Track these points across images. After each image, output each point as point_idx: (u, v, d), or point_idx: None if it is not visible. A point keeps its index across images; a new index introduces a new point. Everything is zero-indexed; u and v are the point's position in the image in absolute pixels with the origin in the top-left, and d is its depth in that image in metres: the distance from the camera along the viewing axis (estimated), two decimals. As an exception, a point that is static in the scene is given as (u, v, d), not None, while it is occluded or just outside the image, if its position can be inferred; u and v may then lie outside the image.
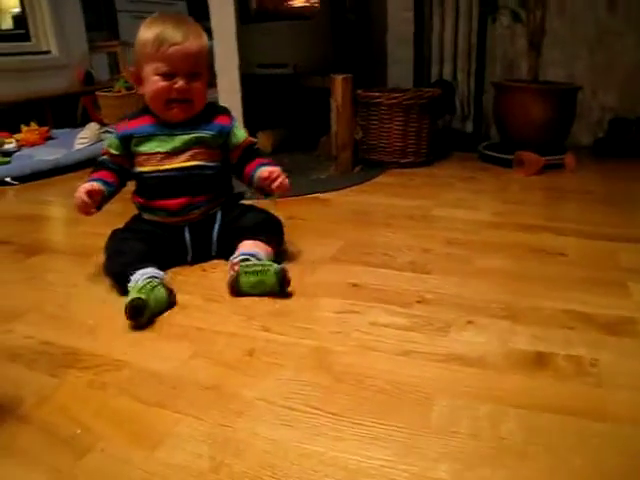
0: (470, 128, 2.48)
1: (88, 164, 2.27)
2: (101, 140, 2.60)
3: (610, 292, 1.10)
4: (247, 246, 1.19)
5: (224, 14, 2.08)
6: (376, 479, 0.65)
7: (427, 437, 0.72)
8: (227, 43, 2.08)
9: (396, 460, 0.68)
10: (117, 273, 1.15)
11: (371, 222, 1.58)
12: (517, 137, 2.11)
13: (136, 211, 1.32)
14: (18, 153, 2.46)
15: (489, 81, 2.35)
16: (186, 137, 1.23)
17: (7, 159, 2.31)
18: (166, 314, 1.07)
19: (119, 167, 1.27)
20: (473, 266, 1.24)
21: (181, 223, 1.26)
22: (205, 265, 1.28)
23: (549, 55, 2.24)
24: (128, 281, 1.09)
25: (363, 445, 0.71)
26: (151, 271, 1.10)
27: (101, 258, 1.23)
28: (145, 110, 1.26)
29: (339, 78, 1.93)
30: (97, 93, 3.20)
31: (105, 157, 1.27)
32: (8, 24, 3.67)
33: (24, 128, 2.75)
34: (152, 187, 1.25)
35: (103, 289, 1.18)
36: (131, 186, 1.31)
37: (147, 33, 1.18)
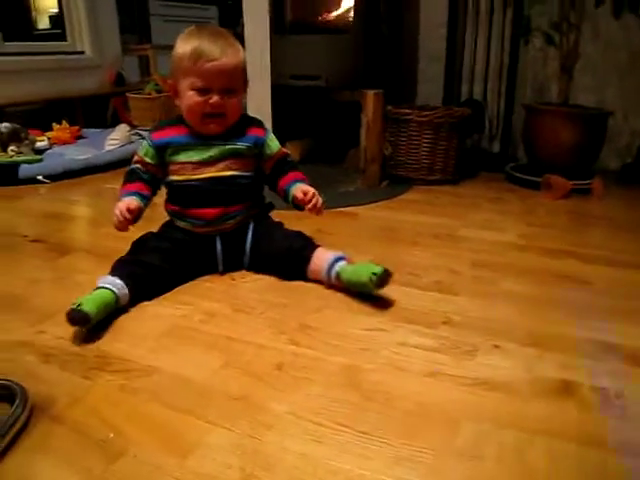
0: (497, 148, 2.48)
1: (118, 165, 2.33)
2: (131, 142, 2.64)
3: (636, 322, 1.10)
4: (321, 254, 1.25)
5: (258, 23, 2.11)
6: (404, 500, 0.66)
7: (453, 460, 0.73)
8: (259, 52, 2.10)
9: (423, 482, 0.69)
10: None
11: (398, 239, 1.59)
12: (545, 160, 2.11)
13: (167, 217, 1.34)
14: (49, 151, 2.50)
15: (519, 102, 2.35)
16: (221, 147, 1.25)
17: (40, 157, 2.36)
18: (195, 322, 1.09)
19: (152, 176, 1.28)
20: (499, 289, 1.25)
21: (213, 233, 1.27)
22: (235, 275, 1.29)
23: (580, 79, 2.24)
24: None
25: (390, 465, 0.72)
26: (112, 281, 1.11)
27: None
28: (181, 120, 1.27)
29: (371, 93, 1.95)
30: (127, 95, 3.26)
31: (138, 165, 1.28)
32: (45, 24, 3.74)
33: (56, 127, 2.80)
34: (187, 196, 1.27)
35: (134, 292, 1.20)
36: (159, 193, 1.33)
37: (184, 47, 1.19)
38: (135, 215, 1.20)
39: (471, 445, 0.76)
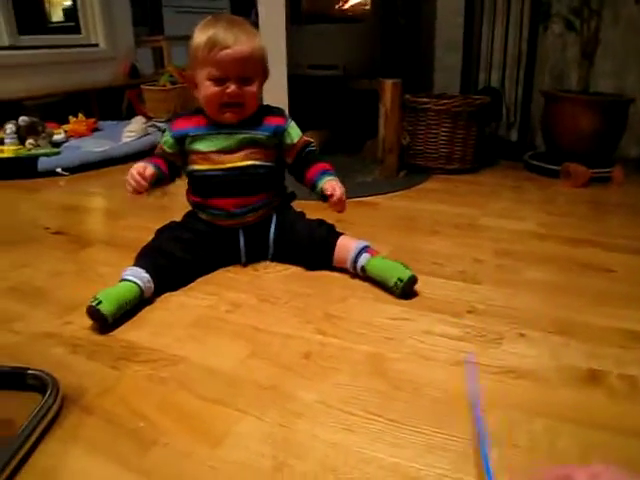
0: (515, 136, 2.46)
1: (135, 157, 2.32)
2: (148, 134, 2.65)
3: (662, 312, 1.09)
4: (345, 242, 1.25)
5: (274, 13, 2.11)
6: (438, 488, 0.66)
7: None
8: (275, 42, 2.10)
9: (455, 470, 0.69)
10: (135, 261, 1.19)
11: (418, 228, 1.58)
12: (565, 148, 2.08)
13: (189, 208, 1.34)
14: (66, 144, 2.52)
15: (537, 90, 2.33)
16: (240, 137, 1.25)
17: (57, 150, 2.37)
18: (221, 312, 1.09)
19: (172, 163, 1.28)
20: (522, 278, 1.24)
21: (236, 226, 1.27)
22: (257, 266, 1.29)
23: (600, 66, 2.21)
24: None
25: (422, 453, 0.72)
26: (137, 273, 1.12)
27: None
28: (199, 110, 1.27)
29: (389, 83, 1.94)
30: (142, 87, 3.27)
31: (159, 152, 1.29)
32: (59, 17, 3.75)
33: (72, 119, 2.82)
34: (207, 186, 1.27)
35: (157, 284, 1.21)
36: (179, 183, 1.34)
37: (200, 37, 1.19)
38: (150, 180, 1.20)
39: (502, 433, 0.75)
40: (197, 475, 0.69)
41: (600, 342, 0.98)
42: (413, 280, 1.14)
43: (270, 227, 1.29)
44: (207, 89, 1.20)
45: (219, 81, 1.19)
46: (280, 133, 1.29)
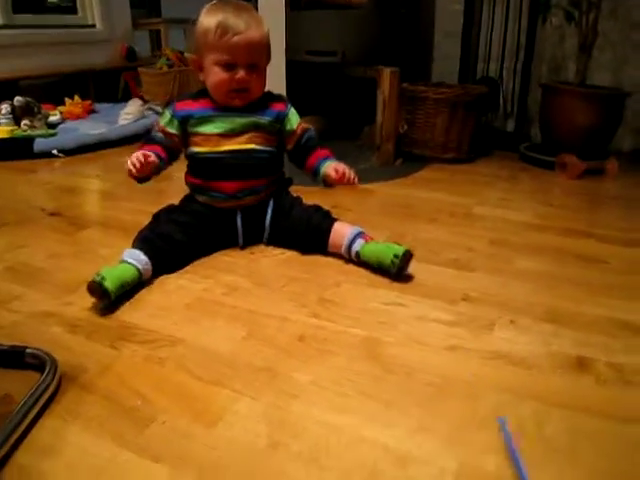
0: (512, 127, 2.47)
1: (132, 140, 2.33)
2: (144, 117, 2.64)
3: (651, 302, 1.10)
4: (341, 228, 1.26)
5: (273, -1, 2.09)
6: (427, 466, 0.68)
7: (473, 430, 0.74)
8: (274, 28, 2.08)
9: (445, 450, 0.71)
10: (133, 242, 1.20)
11: (414, 216, 1.59)
12: (561, 140, 2.10)
13: (185, 191, 1.35)
14: (62, 126, 2.51)
15: (534, 81, 2.33)
16: (244, 120, 1.25)
17: (53, 131, 2.36)
18: (218, 294, 1.10)
19: (171, 146, 1.28)
20: (515, 267, 1.26)
21: (234, 208, 1.28)
22: (254, 249, 1.31)
23: (598, 58, 2.22)
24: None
25: (413, 434, 0.74)
26: (137, 255, 1.13)
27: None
28: (204, 93, 1.27)
29: (387, 71, 1.94)
30: (139, 69, 3.25)
31: (159, 134, 1.28)
32: (55, -4, 3.72)
33: (68, 101, 2.80)
34: (208, 168, 1.28)
35: (154, 266, 1.22)
36: (177, 166, 1.34)
37: (208, 21, 1.18)
38: (151, 168, 1.20)
39: (491, 416, 0.77)
40: (193, 453, 0.70)
41: (590, 330, 1.00)
42: (408, 255, 1.16)
43: (267, 210, 1.30)
44: (216, 75, 1.21)
45: (228, 67, 1.19)
46: (282, 118, 1.30)
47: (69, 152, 2.22)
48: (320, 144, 1.34)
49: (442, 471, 0.68)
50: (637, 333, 0.99)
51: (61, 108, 2.70)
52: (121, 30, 3.72)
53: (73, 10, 3.56)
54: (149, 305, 1.06)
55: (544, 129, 2.20)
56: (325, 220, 1.29)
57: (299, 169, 1.35)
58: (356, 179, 1.25)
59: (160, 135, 1.28)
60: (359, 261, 1.22)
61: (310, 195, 1.37)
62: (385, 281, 1.17)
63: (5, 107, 2.33)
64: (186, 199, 1.33)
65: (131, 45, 3.70)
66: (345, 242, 1.23)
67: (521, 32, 2.34)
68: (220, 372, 0.86)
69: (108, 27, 3.65)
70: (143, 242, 1.18)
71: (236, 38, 1.16)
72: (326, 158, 1.30)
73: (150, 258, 1.14)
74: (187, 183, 1.33)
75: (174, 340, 0.94)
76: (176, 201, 1.33)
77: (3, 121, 2.30)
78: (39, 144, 2.18)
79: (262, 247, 1.32)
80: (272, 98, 1.31)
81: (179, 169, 1.34)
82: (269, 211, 1.30)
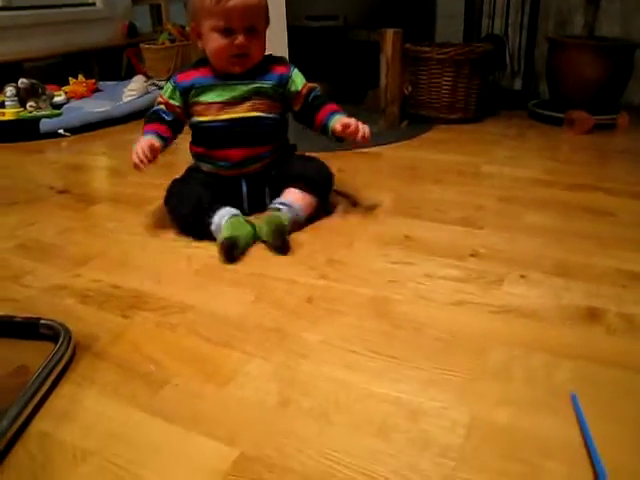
0: (519, 85, 2.43)
1: (137, 116, 2.33)
2: (148, 92, 2.63)
3: (660, 252, 1.10)
4: (290, 195, 1.23)
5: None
6: (438, 419, 0.69)
7: (484, 382, 0.75)
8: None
9: (456, 402, 0.71)
10: (190, 217, 1.19)
11: (421, 177, 1.58)
12: (569, 95, 2.06)
13: (191, 162, 1.35)
14: (67, 105, 2.50)
15: (541, 36, 2.28)
16: (245, 87, 1.24)
17: (58, 111, 2.36)
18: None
19: (174, 118, 1.27)
20: (524, 222, 1.25)
21: (238, 175, 1.28)
22: (261, 215, 1.30)
23: (606, 9, 2.16)
24: (206, 225, 1.16)
25: (423, 388, 0.74)
26: (229, 210, 1.16)
27: (156, 207, 1.28)
28: (204, 61, 1.26)
29: (390, 32, 1.91)
30: (141, 45, 3.22)
31: (161, 107, 1.28)
32: (54, -25, 3.68)
33: (72, 80, 2.80)
34: (212, 137, 1.27)
35: (163, 237, 1.23)
36: (183, 137, 1.33)
37: None
38: (155, 155, 1.19)
39: (502, 368, 0.78)
40: (206, 412, 0.71)
41: (600, 282, 0.99)
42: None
43: (269, 178, 1.30)
44: (215, 42, 1.20)
45: (226, 32, 1.18)
46: (285, 81, 1.28)
47: (75, 131, 2.22)
48: (329, 100, 1.32)
49: (454, 423, 0.68)
50: (647, 283, 0.98)
51: (65, 88, 2.69)
52: (121, 7, 3.68)
53: (72, -12, 3.53)
54: (158, 273, 1.07)
55: (552, 85, 2.16)
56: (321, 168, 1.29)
57: (309, 128, 1.33)
58: (368, 133, 1.23)
59: (162, 109, 1.27)
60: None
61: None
62: (394, 242, 1.17)
63: (10, 90, 2.32)
64: (190, 169, 1.33)
65: (132, 21, 3.67)
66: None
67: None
68: (230, 335, 0.87)
69: (108, 5, 3.61)
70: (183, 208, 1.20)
71: (232, 2, 1.15)
72: (334, 112, 1.28)
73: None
74: (192, 153, 1.33)
75: (184, 306, 0.95)
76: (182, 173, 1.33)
77: (9, 103, 2.30)
78: (45, 124, 2.18)
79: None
80: (273, 61, 1.29)
81: (185, 140, 1.34)
82: (271, 177, 1.30)
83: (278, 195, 1.26)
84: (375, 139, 1.88)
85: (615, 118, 2.00)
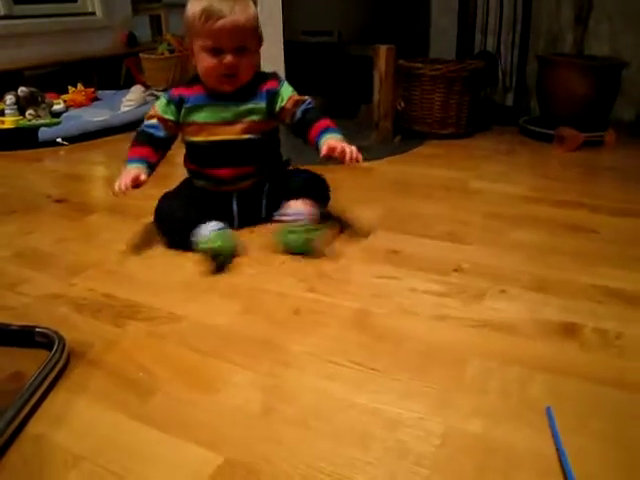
0: (511, 101, 2.47)
1: (134, 126, 2.32)
2: (146, 102, 2.66)
3: (637, 269, 1.13)
4: (295, 205, 1.25)
5: (269, -19, 2.11)
6: (414, 429, 0.72)
7: (460, 394, 0.78)
8: (271, 9, 2.11)
9: (432, 413, 0.75)
10: (178, 230, 1.22)
11: (411, 192, 1.62)
12: (559, 112, 2.10)
13: (186, 175, 1.38)
14: (66, 114, 2.54)
15: (532, 53, 2.33)
16: (237, 109, 1.27)
17: (57, 120, 2.40)
18: (218, 273, 1.14)
19: (166, 134, 1.28)
20: (508, 238, 1.28)
21: (229, 191, 1.31)
22: (253, 228, 1.34)
23: (595, 28, 2.21)
24: (190, 236, 1.18)
25: (401, 399, 0.78)
26: (216, 224, 1.19)
27: (152, 219, 1.31)
28: (196, 79, 1.28)
29: (383, 48, 1.95)
30: (140, 55, 3.27)
31: (152, 121, 1.29)
32: (55, -15, 3.73)
33: (71, 89, 2.83)
34: (203, 156, 1.31)
35: (156, 247, 1.26)
36: (179, 151, 1.36)
37: (194, 7, 1.19)
38: (140, 186, 1.19)
39: (478, 380, 0.81)
40: (193, 419, 0.75)
41: (578, 298, 1.03)
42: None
43: (263, 193, 1.33)
44: (204, 61, 1.22)
45: (215, 51, 1.20)
46: (273, 96, 1.29)
47: (73, 140, 2.26)
48: (321, 115, 1.30)
49: (429, 433, 0.71)
50: (623, 299, 1.02)
51: (64, 97, 2.73)
52: (121, 17, 3.73)
53: (72, -2, 3.58)
54: (151, 283, 1.11)
55: (542, 102, 2.21)
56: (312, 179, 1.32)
57: (305, 143, 1.33)
58: (359, 157, 1.21)
59: (153, 123, 1.28)
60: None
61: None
62: (382, 257, 1.20)
63: (10, 98, 2.36)
64: (184, 184, 1.37)
65: (132, 31, 3.71)
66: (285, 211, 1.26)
67: (517, 5, 2.32)
68: (218, 345, 0.90)
69: (108, 14, 3.67)
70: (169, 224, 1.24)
71: (220, 23, 1.17)
72: (326, 130, 1.26)
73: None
74: (185, 168, 1.36)
75: (175, 317, 0.99)
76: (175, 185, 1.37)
77: (8, 112, 2.34)
78: (43, 133, 2.22)
79: (262, 226, 1.35)
80: (265, 78, 1.31)
81: (181, 154, 1.37)
82: (265, 193, 1.33)
83: (275, 208, 1.29)
84: (367, 154, 1.93)
85: (603, 135, 2.04)
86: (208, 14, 1.17)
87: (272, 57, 2.06)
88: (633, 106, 2.33)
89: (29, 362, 0.85)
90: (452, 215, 1.42)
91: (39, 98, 2.42)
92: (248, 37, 1.22)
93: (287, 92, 1.30)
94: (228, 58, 1.20)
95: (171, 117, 1.29)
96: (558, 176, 1.76)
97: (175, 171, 1.40)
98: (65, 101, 2.66)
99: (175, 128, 1.31)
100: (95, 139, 2.31)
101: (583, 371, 0.83)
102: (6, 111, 2.34)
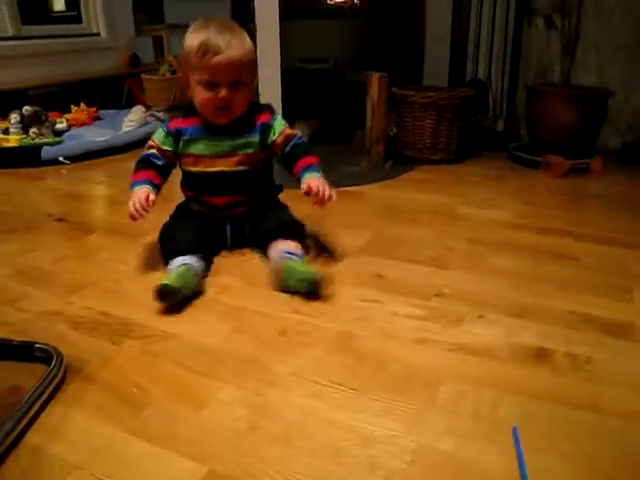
0: (501, 127, 2.54)
1: (135, 146, 2.42)
2: (147, 123, 2.73)
3: (615, 297, 1.18)
4: (284, 245, 1.26)
5: (268, 10, 2.18)
6: (386, 445, 0.77)
7: (434, 414, 0.83)
8: (269, 37, 2.18)
9: (405, 431, 0.80)
10: (166, 258, 1.26)
11: (399, 217, 1.68)
12: (547, 140, 2.17)
13: (183, 197, 1.44)
14: (68, 133, 2.60)
15: (522, 82, 2.41)
16: (232, 142, 1.32)
17: (60, 139, 2.46)
18: (212, 293, 1.20)
19: (165, 163, 1.33)
20: (490, 264, 1.33)
21: (224, 216, 1.38)
22: (244, 251, 1.40)
23: (583, 58, 2.29)
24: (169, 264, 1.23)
25: (377, 417, 0.82)
26: (185, 259, 1.20)
27: (149, 239, 1.37)
28: (193, 111, 1.32)
29: (376, 76, 2.02)
30: (142, 76, 3.34)
31: (152, 151, 1.33)
32: (61, 6, 3.81)
33: (74, 108, 2.90)
34: (199, 184, 1.37)
35: (153, 268, 1.31)
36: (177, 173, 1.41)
37: (192, 41, 1.22)
38: (152, 205, 1.24)
39: (451, 402, 0.86)
40: (182, 433, 0.79)
41: (553, 324, 1.07)
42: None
43: (253, 217, 1.38)
44: (200, 94, 1.26)
45: (211, 85, 1.24)
46: (266, 129, 1.34)
47: (75, 159, 2.31)
48: (308, 151, 1.34)
49: (401, 450, 0.76)
50: (598, 326, 1.06)
51: (67, 116, 2.79)
52: (125, 38, 3.80)
53: (78, 19, 3.66)
54: (146, 303, 1.15)
55: (530, 130, 2.28)
56: (290, 225, 1.33)
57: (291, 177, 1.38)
58: (332, 196, 1.26)
59: (154, 153, 1.33)
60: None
61: (299, 198, 1.44)
62: (366, 280, 1.25)
63: (15, 117, 2.42)
64: (181, 207, 1.42)
65: (134, 52, 3.79)
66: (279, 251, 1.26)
67: (508, 35, 2.40)
68: (208, 363, 0.95)
69: (112, 35, 3.74)
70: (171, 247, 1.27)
71: (216, 58, 1.21)
72: (309, 167, 1.30)
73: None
74: (182, 192, 1.42)
75: (168, 335, 1.04)
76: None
77: (13, 130, 2.40)
78: (46, 152, 2.27)
79: (252, 249, 1.39)
80: (259, 110, 1.35)
81: (179, 175, 1.42)
82: (252, 217, 1.38)
83: (257, 233, 1.34)
84: (359, 179, 1.99)
85: (589, 162, 2.10)
86: (205, 49, 1.21)
87: (270, 84, 2.12)
88: (619, 134, 2.40)
89: (28, 376, 0.90)
90: (438, 240, 1.47)
91: (43, 117, 2.48)
92: (244, 72, 1.26)
93: (280, 126, 1.35)
94: (223, 92, 1.24)
95: (170, 148, 1.34)
96: (544, 203, 1.81)
97: (174, 194, 1.45)
98: (68, 120, 2.72)
99: (174, 158, 1.36)
100: (97, 158, 2.37)
101: (553, 394, 0.88)
102: (11, 130, 2.40)
